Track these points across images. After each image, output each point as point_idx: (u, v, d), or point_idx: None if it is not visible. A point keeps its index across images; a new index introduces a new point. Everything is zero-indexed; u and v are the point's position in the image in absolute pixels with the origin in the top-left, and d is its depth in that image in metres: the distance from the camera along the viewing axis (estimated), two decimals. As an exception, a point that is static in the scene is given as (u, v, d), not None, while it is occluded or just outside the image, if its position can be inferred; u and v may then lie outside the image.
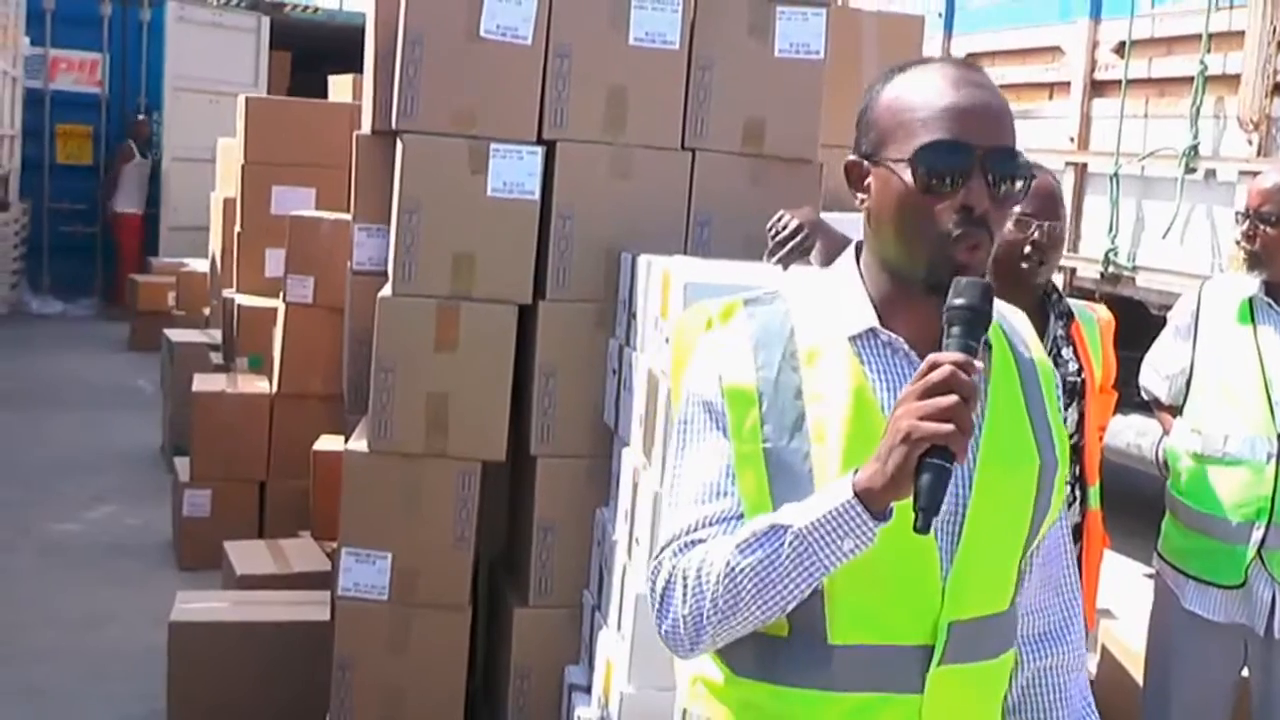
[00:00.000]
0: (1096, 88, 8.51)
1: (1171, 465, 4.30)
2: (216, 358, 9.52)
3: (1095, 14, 8.48)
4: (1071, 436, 3.95)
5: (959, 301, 1.94)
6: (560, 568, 4.71)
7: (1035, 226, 3.86)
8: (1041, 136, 8.89)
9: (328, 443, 6.67)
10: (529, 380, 4.70)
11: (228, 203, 9.86)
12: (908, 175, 2.04)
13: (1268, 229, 4.08)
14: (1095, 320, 4.11)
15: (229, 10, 17.83)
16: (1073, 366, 3.95)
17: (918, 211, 2.04)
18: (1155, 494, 4.38)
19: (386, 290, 4.70)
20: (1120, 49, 8.21)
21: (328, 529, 6.21)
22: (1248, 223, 4.15)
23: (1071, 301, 4.10)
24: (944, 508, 2.01)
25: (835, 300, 2.16)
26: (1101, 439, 4.13)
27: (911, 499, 1.86)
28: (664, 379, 3.77)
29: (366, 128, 5.35)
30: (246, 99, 9.14)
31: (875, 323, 2.11)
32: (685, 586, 2.06)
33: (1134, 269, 8.04)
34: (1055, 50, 8.92)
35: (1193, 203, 7.64)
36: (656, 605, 2.12)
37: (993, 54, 9.66)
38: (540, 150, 4.63)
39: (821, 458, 2.03)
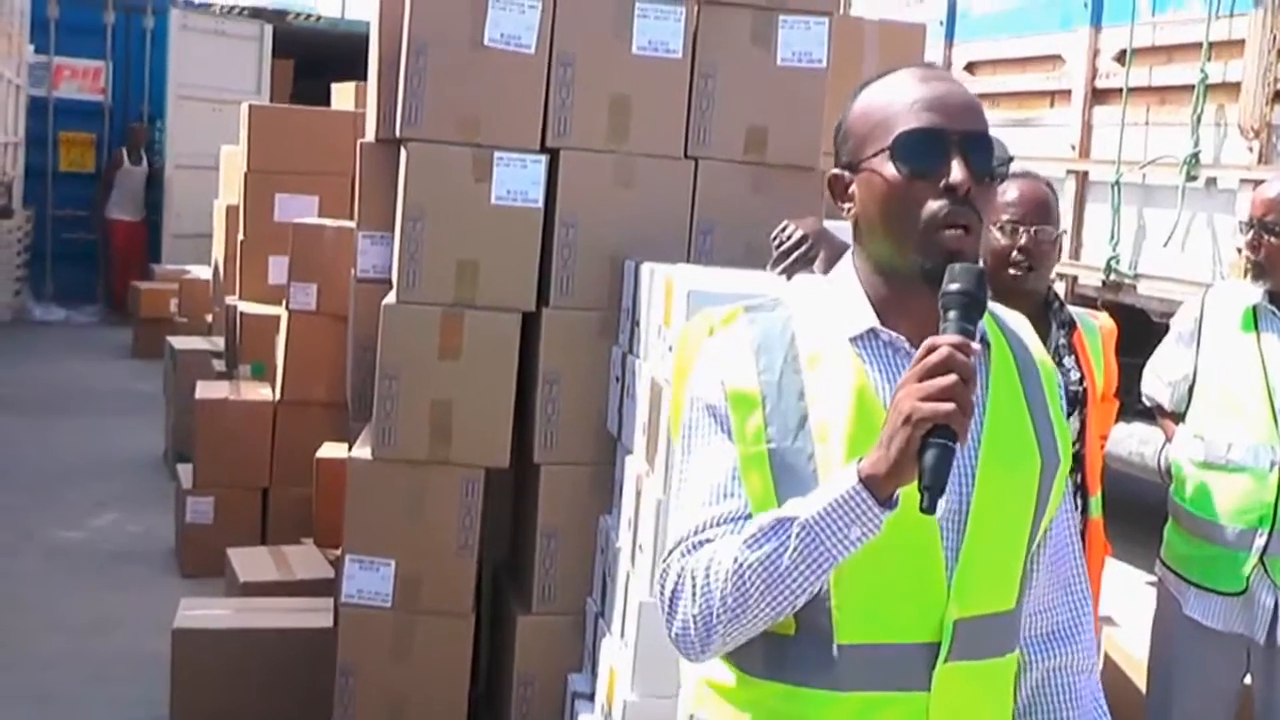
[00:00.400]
0: (1097, 96, 8.52)
1: (1174, 472, 4.30)
2: (219, 365, 9.52)
3: (1096, 22, 8.49)
4: (1074, 445, 3.96)
5: (954, 287, 1.96)
6: (563, 575, 4.72)
7: (1023, 232, 3.87)
8: (1043, 144, 8.90)
9: (331, 450, 6.68)
10: (532, 388, 4.71)
11: (230, 210, 9.87)
12: (889, 168, 2.08)
13: (1272, 238, 4.09)
14: (1097, 328, 4.12)
15: (232, 18, 17.85)
16: (1075, 375, 3.96)
17: (903, 201, 2.07)
18: (1157, 502, 4.39)
19: (390, 297, 4.71)
20: (1121, 57, 8.21)
21: (331, 536, 6.22)
22: (1252, 232, 4.15)
23: (1073, 310, 4.11)
24: (948, 504, 2.05)
25: (835, 305, 2.18)
26: (1103, 447, 4.13)
27: (916, 481, 1.89)
28: (667, 387, 3.78)
29: (370, 135, 5.36)
30: (249, 106, 9.16)
31: (875, 323, 2.13)
32: (694, 586, 2.07)
33: (1135, 277, 8.05)
34: (1056, 58, 8.92)
35: (1194, 210, 7.65)
36: (666, 608, 2.13)
37: (994, 62, 9.67)
38: (544, 158, 4.65)
39: (825, 457, 2.05)
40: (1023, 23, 9.30)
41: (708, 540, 2.09)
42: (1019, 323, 2.35)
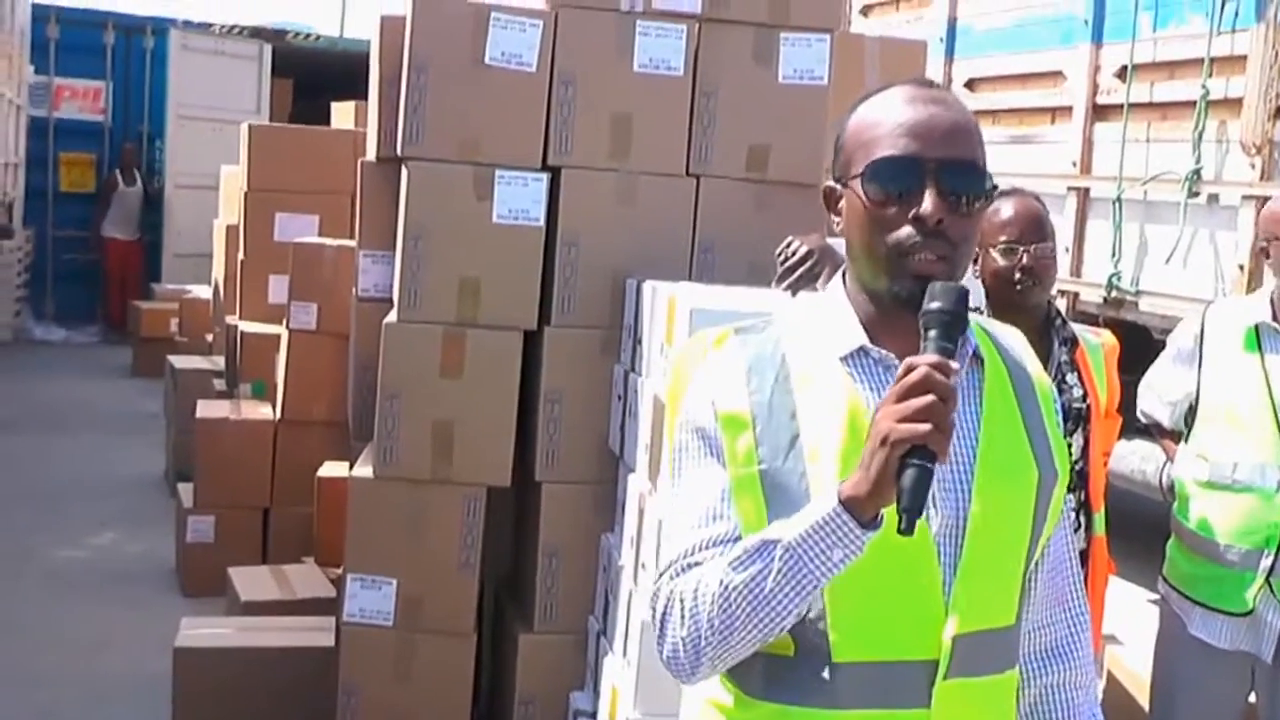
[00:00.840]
0: (1098, 112, 8.51)
1: (1178, 492, 4.29)
2: (220, 384, 9.52)
3: (1097, 38, 8.48)
4: (1076, 462, 3.95)
5: (934, 305, 1.96)
6: (565, 594, 4.71)
7: (1023, 251, 3.89)
8: (1044, 161, 8.89)
9: (332, 469, 6.68)
10: (534, 406, 4.70)
11: (230, 230, 9.88)
12: (863, 193, 2.09)
13: None
14: (1099, 345, 4.11)
15: (231, 38, 17.85)
16: (1077, 392, 3.95)
17: (873, 227, 2.07)
18: (1160, 519, 4.37)
19: (392, 316, 4.71)
20: (1122, 73, 8.21)
21: (332, 555, 6.21)
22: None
23: (1075, 326, 4.11)
24: (944, 519, 2.05)
25: (825, 323, 2.18)
26: (1106, 464, 4.12)
27: (895, 502, 1.87)
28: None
29: (371, 154, 5.36)
30: (249, 126, 9.17)
31: (865, 341, 2.13)
32: (682, 609, 2.07)
33: (1137, 293, 8.04)
34: (1057, 75, 8.92)
35: (1195, 227, 7.64)
36: (657, 631, 2.13)
37: (994, 79, 9.67)
38: (545, 177, 4.65)
39: (817, 477, 2.04)
40: (1024, 39, 9.30)
41: (697, 563, 2.09)
42: (1015, 339, 2.34)
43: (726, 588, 1.99)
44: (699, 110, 4.76)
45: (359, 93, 6.71)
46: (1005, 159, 9.23)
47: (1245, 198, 7.05)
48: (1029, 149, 9.14)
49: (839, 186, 2.19)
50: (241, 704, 5.43)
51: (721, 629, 2.02)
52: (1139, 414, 4.55)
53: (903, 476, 1.86)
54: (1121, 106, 8.16)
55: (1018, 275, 3.88)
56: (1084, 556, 4.00)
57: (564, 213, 4.67)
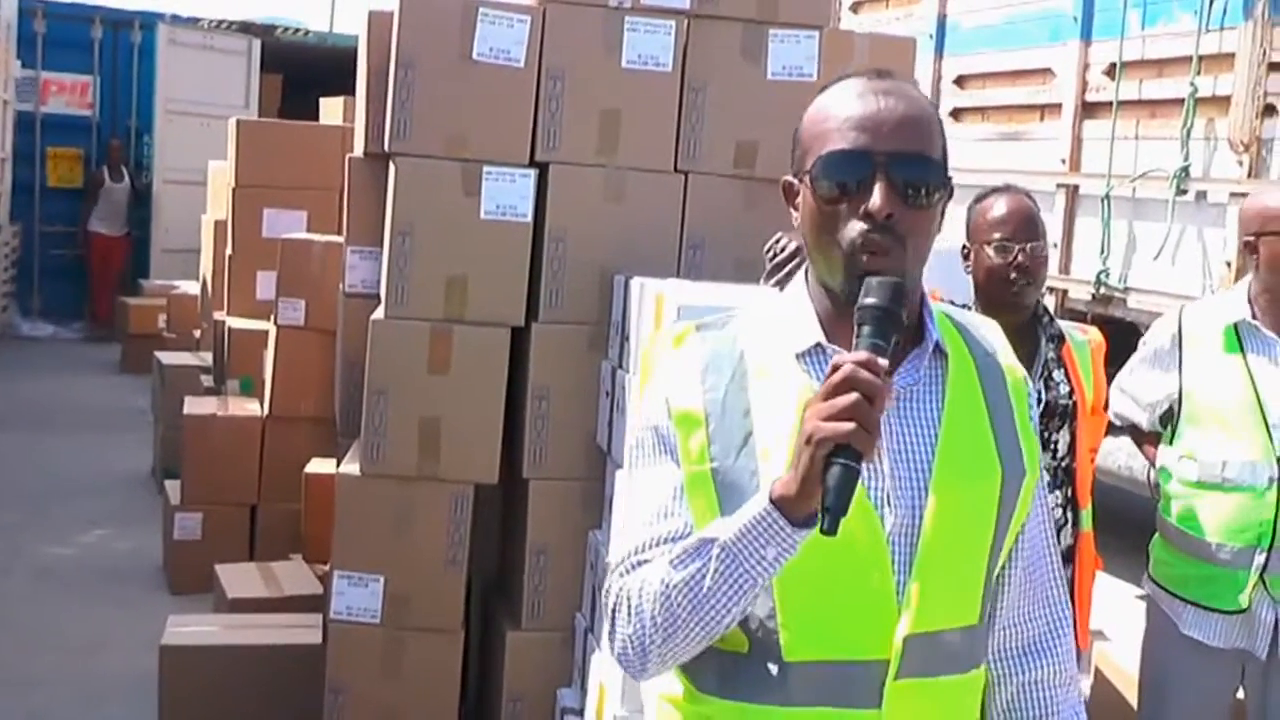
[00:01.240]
0: (1087, 109, 8.52)
1: (1164, 493, 4.27)
2: (207, 380, 9.50)
3: (1086, 36, 8.49)
4: (1063, 459, 3.96)
5: (868, 301, 1.93)
6: (553, 590, 4.70)
7: (1017, 250, 3.89)
8: (1033, 158, 8.90)
9: (319, 465, 6.66)
10: (522, 403, 4.69)
11: (219, 225, 9.85)
12: (814, 188, 2.08)
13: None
14: (1086, 342, 4.11)
15: (220, 33, 17.82)
16: (1064, 389, 3.96)
17: (824, 223, 2.07)
18: (1148, 515, 4.37)
19: (379, 313, 4.70)
20: (1111, 71, 8.22)
21: (319, 552, 6.20)
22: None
23: (1062, 324, 4.11)
24: (898, 519, 2.04)
25: (785, 320, 2.17)
26: (1093, 461, 4.12)
27: (820, 500, 1.85)
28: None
29: (359, 150, 5.35)
30: (237, 121, 9.15)
31: (821, 339, 2.12)
32: (629, 607, 2.07)
33: (1126, 290, 8.05)
34: (1046, 72, 8.93)
35: (1184, 224, 7.65)
36: (609, 627, 2.13)
37: (984, 76, 9.67)
38: (533, 173, 4.64)
39: (768, 475, 2.00)
40: (1013, 36, 9.30)
41: (646, 560, 2.08)
42: (990, 331, 2.32)
43: (667, 586, 2.00)
44: (687, 106, 4.75)
45: (348, 88, 6.69)
46: (994, 156, 9.25)
47: (1233, 195, 7.07)
48: (1018, 146, 9.15)
49: (796, 181, 2.17)
50: (229, 702, 5.42)
51: (664, 627, 2.02)
52: (1111, 416, 4.51)
53: (827, 476, 1.84)
54: (1110, 104, 8.18)
55: (1012, 275, 3.89)
56: (1071, 553, 4.00)
57: (552, 209, 4.66)
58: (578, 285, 4.68)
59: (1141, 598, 4.40)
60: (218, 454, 7.67)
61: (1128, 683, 4.80)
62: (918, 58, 5.81)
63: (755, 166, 4.78)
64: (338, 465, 4.95)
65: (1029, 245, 3.91)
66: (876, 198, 2.01)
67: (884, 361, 1.87)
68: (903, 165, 2.04)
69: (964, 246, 4.08)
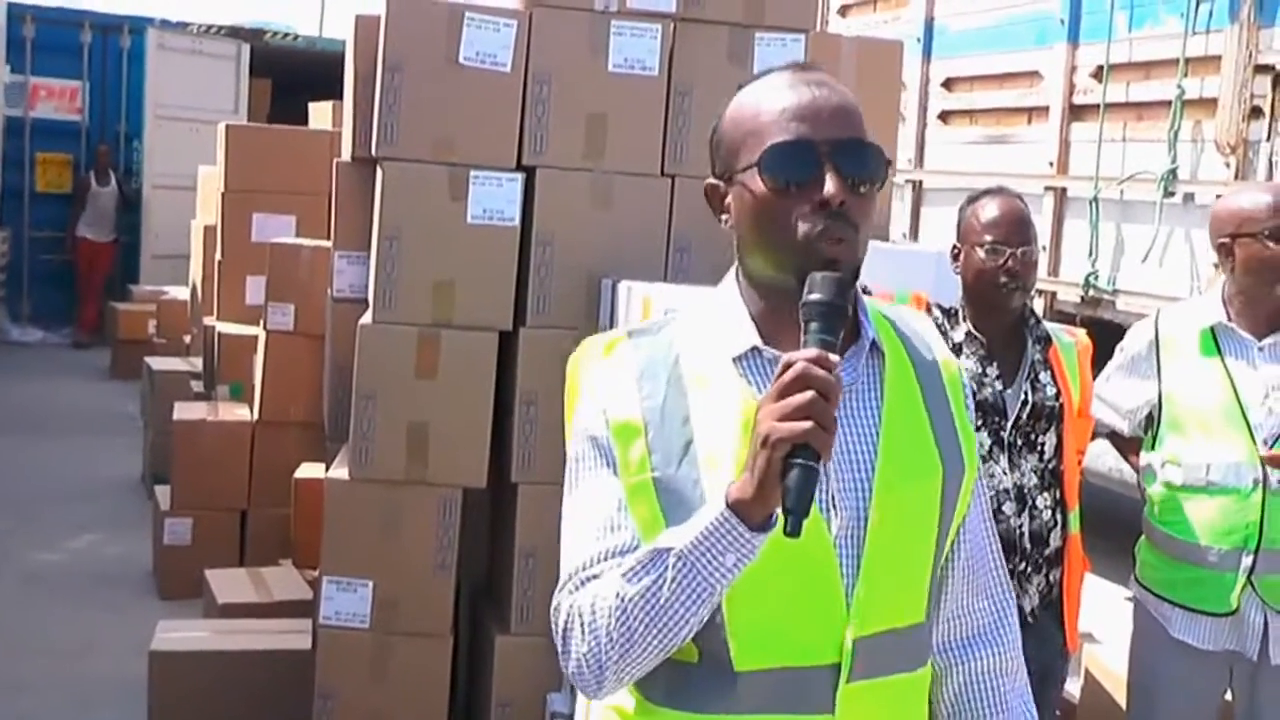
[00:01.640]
0: (1075, 112, 8.54)
1: (1149, 497, 4.27)
2: (197, 386, 9.50)
3: (1073, 39, 8.51)
4: (1050, 461, 3.96)
5: (814, 297, 1.90)
6: (542, 595, 4.69)
7: (1008, 255, 3.89)
8: (1020, 161, 8.92)
9: (309, 470, 6.66)
10: (510, 407, 4.69)
11: (208, 230, 9.86)
12: (759, 184, 2.03)
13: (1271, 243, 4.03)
14: (1073, 345, 4.12)
15: (209, 37, 17.81)
16: (1050, 391, 3.96)
17: (775, 218, 2.02)
18: (1136, 517, 4.37)
19: (367, 318, 4.70)
20: (1098, 73, 8.24)
21: (309, 557, 6.20)
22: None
23: (1049, 326, 4.12)
24: (843, 521, 2.01)
25: (719, 324, 2.13)
26: (1080, 463, 4.12)
27: (781, 502, 1.82)
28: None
29: (346, 155, 5.36)
30: (226, 126, 9.16)
31: (758, 341, 2.08)
32: (582, 624, 2.02)
33: (1114, 292, 8.07)
34: (1033, 75, 8.94)
35: (1171, 226, 7.67)
36: (560, 647, 2.08)
37: (971, 79, 9.69)
38: (520, 177, 4.64)
39: (712, 483, 1.98)
40: (1000, 39, 9.32)
41: (595, 576, 2.04)
42: (921, 324, 2.29)
43: (623, 600, 1.95)
44: (674, 110, 4.75)
45: (337, 93, 6.70)
46: (982, 159, 9.27)
47: (1220, 197, 7.07)
48: (1006, 149, 9.17)
49: (722, 183, 2.13)
50: (218, 707, 5.42)
51: (621, 642, 1.97)
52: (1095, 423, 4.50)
53: (786, 477, 1.80)
54: (1098, 106, 8.20)
55: (1002, 278, 3.89)
56: (1060, 555, 4.01)
57: (539, 213, 4.66)
58: (565, 289, 4.68)
59: (1131, 599, 4.40)
60: (207, 459, 7.66)
61: (1117, 684, 4.81)
62: (905, 61, 5.82)
63: (743, 170, 4.77)
64: (326, 470, 4.95)
65: (1020, 250, 3.91)
66: (830, 185, 1.99)
67: (836, 357, 1.84)
68: (846, 152, 2.02)
69: (954, 247, 4.08)
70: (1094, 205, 8.15)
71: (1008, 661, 2.32)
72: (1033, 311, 4.08)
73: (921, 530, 2.12)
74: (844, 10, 11.35)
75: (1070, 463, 4.02)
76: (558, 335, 4.67)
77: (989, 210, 3.98)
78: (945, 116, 9.93)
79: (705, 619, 1.96)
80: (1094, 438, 4.42)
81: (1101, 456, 7.50)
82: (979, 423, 3.89)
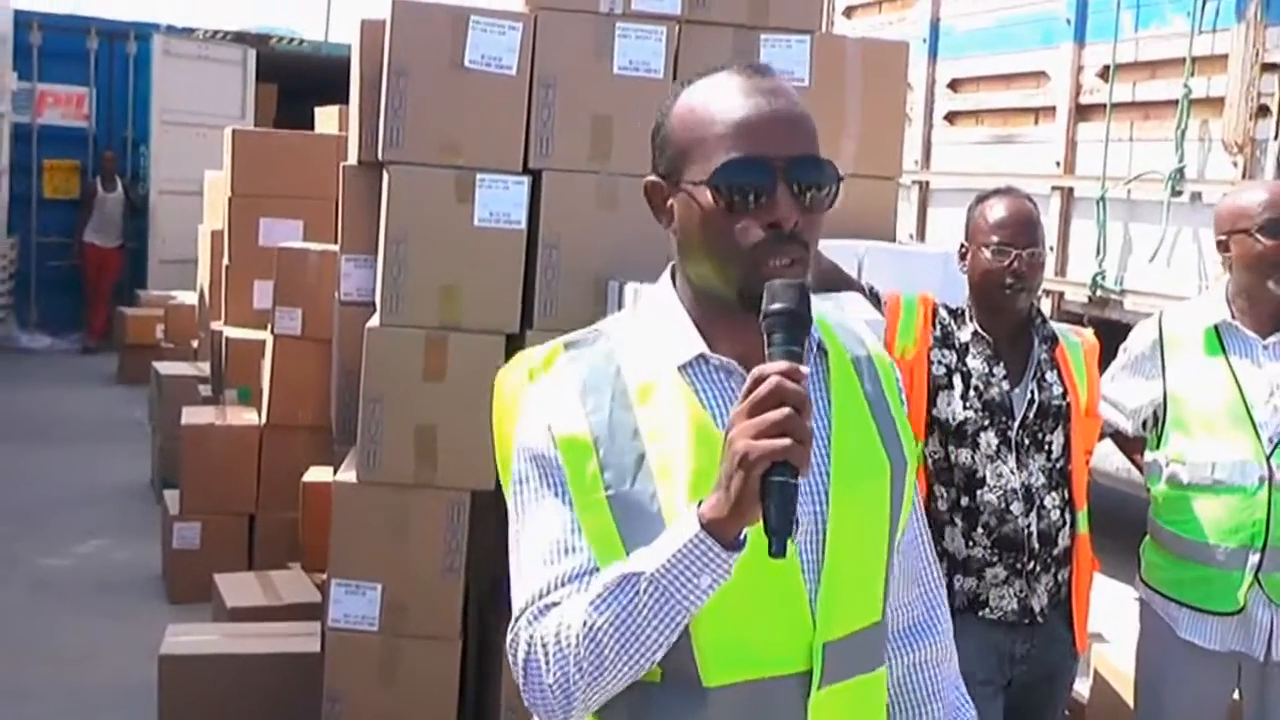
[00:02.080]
0: (1081, 112, 8.54)
1: (1154, 497, 4.27)
2: (205, 390, 9.51)
3: (1079, 38, 8.51)
4: (1058, 460, 3.96)
5: (776, 307, 1.86)
6: (550, 597, 4.69)
7: (1014, 256, 3.89)
8: (1027, 161, 8.91)
9: (317, 474, 6.66)
10: (517, 410, 4.68)
11: (215, 235, 9.87)
12: (708, 198, 1.98)
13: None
14: (1079, 344, 4.11)
15: (215, 43, 17.84)
16: (1057, 390, 3.96)
17: (723, 234, 1.97)
18: (1144, 516, 4.36)
19: (374, 321, 4.70)
20: (1105, 73, 8.23)
21: (318, 560, 6.20)
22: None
23: (1056, 325, 4.11)
24: (803, 527, 1.98)
25: (659, 331, 2.08)
26: (1088, 463, 4.12)
27: (761, 524, 1.77)
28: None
29: (353, 159, 5.35)
30: (233, 131, 9.16)
31: (703, 348, 2.04)
32: (546, 655, 1.95)
33: (1121, 292, 8.07)
34: (1040, 75, 8.94)
35: (1179, 225, 7.66)
36: (520, 679, 2.01)
37: (978, 79, 9.69)
38: (526, 180, 4.64)
39: (670, 497, 1.94)
40: (1006, 39, 9.32)
41: (555, 603, 1.97)
42: (849, 318, 2.28)
43: (592, 628, 1.89)
44: (680, 112, 4.74)
45: (343, 97, 6.71)
46: (989, 159, 9.26)
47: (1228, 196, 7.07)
48: (1012, 149, 9.17)
49: (665, 182, 2.09)
50: (228, 711, 5.42)
51: (591, 670, 1.91)
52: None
53: (766, 496, 1.76)
54: (1104, 106, 8.20)
55: (1008, 279, 3.89)
56: (1068, 555, 4.00)
57: (545, 215, 4.65)
58: (572, 292, 4.67)
59: (1140, 599, 4.39)
60: (216, 463, 7.68)
61: (1126, 684, 4.79)
62: (911, 62, 5.82)
63: (748, 171, 4.77)
64: (334, 473, 4.95)
65: (1026, 251, 3.90)
66: (783, 208, 1.94)
67: (806, 369, 1.81)
68: (801, 169, 1.97)
69: (961, 246, 4.08)
70: (1101, 205, 8.14)
71: (941, 650, 2.33)
72: (1040, 311, 4.07)
73: (876, 529, 2.11)
74: (849, 11, 11.34)
75: (1078, 463, 4.01)
76: (565, 338, 4.66)
77: (996, 211, 3.97)
78: (951, 117, 9.93)
79: (673, 641, 1.91)
80: (1101, 437, 4.42)
81: (1110, 456, 7.48)
82: (986, 422, 3.89)
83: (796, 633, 2.00)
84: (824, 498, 2.03)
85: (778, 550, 1.77)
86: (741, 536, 1.82)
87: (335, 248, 5.96)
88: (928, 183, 10.08)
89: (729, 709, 1.99)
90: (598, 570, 1.95)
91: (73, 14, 17.94)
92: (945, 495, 3.96)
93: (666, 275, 2.15)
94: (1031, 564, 3.91)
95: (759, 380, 1.78)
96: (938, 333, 3.99)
